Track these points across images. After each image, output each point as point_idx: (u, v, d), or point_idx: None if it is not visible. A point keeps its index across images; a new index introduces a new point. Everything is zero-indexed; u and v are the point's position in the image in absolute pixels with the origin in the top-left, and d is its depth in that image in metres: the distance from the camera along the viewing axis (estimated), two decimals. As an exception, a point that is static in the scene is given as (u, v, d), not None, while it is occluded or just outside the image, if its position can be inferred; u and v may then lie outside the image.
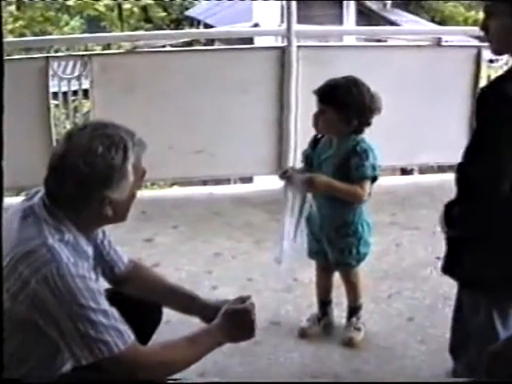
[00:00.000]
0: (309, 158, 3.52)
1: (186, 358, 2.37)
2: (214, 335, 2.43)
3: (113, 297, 2.39)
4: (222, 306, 2.51)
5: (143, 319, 2.47)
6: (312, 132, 3.59)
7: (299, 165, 3.72)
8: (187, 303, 2.72)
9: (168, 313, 2.84)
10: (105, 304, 2.21)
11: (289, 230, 3.39)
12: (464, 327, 2.93)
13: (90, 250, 2.37)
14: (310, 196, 3.37)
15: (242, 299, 2.52)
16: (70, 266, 2.16)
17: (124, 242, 2.98)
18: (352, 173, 3.34)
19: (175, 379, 2.55)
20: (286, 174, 3.44)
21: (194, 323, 2.68)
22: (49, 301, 2.13)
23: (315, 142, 3.51)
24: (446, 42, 5.90)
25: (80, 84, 5.52)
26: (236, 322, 2.46)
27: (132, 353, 2.22)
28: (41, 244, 2.18)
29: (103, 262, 2.57)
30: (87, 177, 2.20)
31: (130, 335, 2.23)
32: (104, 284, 2.63)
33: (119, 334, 2.20)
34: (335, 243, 3.49)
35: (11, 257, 2.16)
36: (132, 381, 2.23)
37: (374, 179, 3.38)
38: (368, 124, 3.37)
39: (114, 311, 2.23)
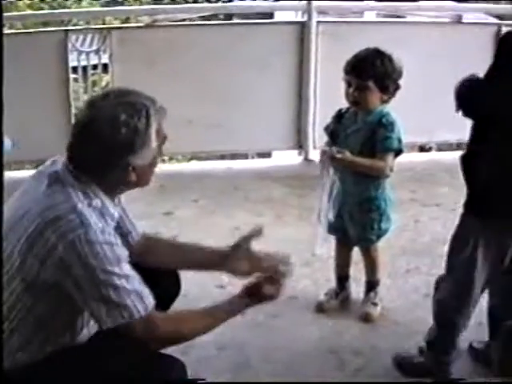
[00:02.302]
0: (334, 133, 3.49)
1: (198, 330, 2.42)
2: (234, 309, 2.48)
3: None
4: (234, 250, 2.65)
5: (161, 292, 2.48)
6: (332, 107, 3.58)
7: (319, 140, 3.70)
8: (207, 258, 2.76)
9: (185, 286, 2.85)
10: (128, 269, 2.25)
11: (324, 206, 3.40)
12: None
13: (116, 213, 2.40)
14: (332, 171, 3.36)
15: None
16: (98, 232, 2.20)
17: (143, 216, 3.00)
18: (377, 144, 3.34)
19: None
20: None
21: (211, 298, 2.69)
22: (75, 265, 2.16)
23: (340, 117, 3.50)
24: (467, 19, 5.87)
25: (99, 58, 5.54)
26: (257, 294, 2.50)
27: (150, 319, 2.26)
28: (70, 209, 2.20)
29: (119, 229, 2.59)
30: (112, 144, 2.23)
31: (150, 301, 2.27)
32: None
33: (140, 299, 2.24)
34: (357, 218, 3.49)
35: (38, 222, 2.18)
36: (147, 346, 2.26)
37: (398, 153, 3.38)
38: (399, 87, 3.36)
39: (136, 276, 2.27)
